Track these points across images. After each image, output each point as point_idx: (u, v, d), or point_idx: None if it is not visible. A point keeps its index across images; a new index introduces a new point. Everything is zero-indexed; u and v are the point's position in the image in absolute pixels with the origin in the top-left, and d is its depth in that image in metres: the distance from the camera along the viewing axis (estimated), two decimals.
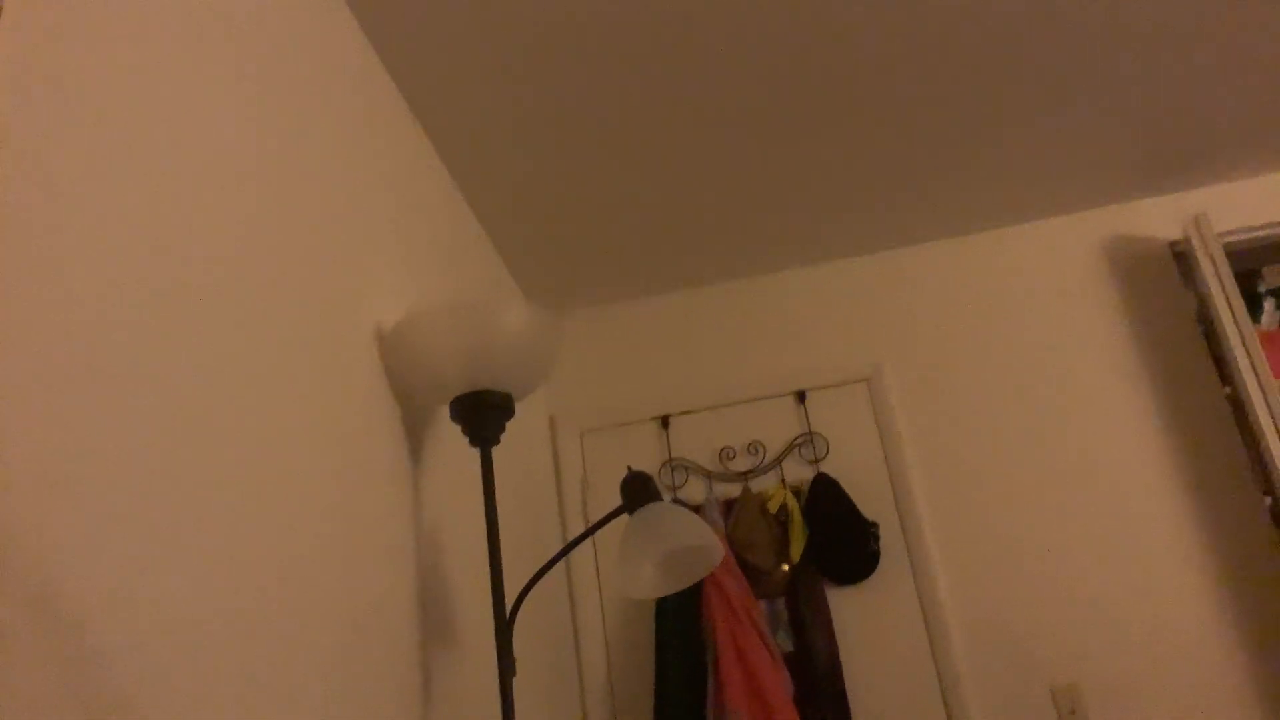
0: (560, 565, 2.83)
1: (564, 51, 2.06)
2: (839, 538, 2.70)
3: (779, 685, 2.45)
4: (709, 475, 2.88)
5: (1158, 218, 2.94)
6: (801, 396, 2.93)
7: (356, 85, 1.84)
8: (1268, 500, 2.58)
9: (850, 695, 2.60)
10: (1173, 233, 2.90)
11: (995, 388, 2.85)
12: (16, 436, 0.78)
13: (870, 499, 2.78)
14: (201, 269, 1.13)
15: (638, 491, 1.65)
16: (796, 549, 2.69)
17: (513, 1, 1.92)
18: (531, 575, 1.66)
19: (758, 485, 2.84)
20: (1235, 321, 2.56)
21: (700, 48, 2.11)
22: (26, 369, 0.81)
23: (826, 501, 2.75)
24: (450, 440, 1.94)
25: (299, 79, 1.56)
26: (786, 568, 2.69)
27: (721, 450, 2.91)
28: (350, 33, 1.85)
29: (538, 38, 2.02)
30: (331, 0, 1.79)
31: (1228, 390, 2.68)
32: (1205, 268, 2.61)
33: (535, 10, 1.95)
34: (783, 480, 2.83)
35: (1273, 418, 2.46)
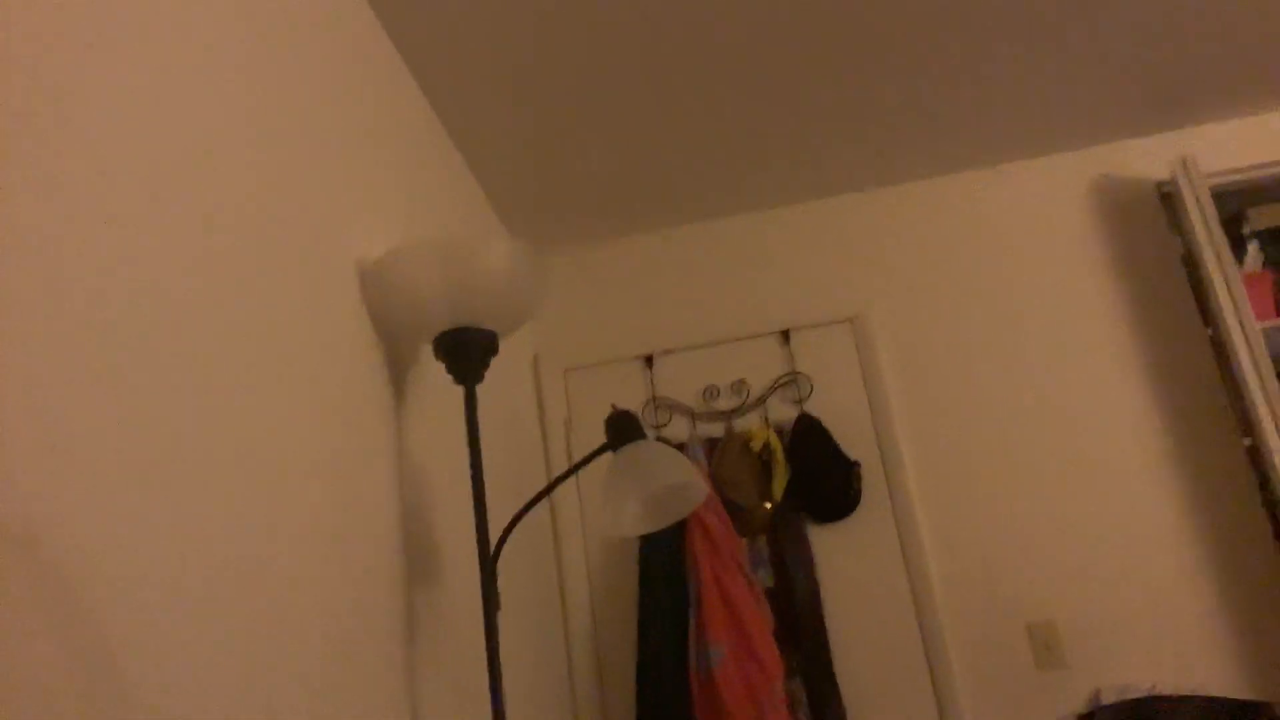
0: (544, 503, 2.85)
1: None
2: (821, 477, 2.72)
3: (760, 620, 2.48)
4: (693, 414, 2.89)
5: (1145, 158, 2.92)
6: (786, 336, 2.93)
7: (339, 20, 1.79)
8: (1247, 441, 2.61)
9: (830, 631, 2.64)
10: (1160, 173, 2.88)
11: (979, 328, 2.86)
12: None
13: (853, 439, 2.80)
14: (180, 205, 1.10)
15: (622, 429, 1.65)
16: (779, 487, 2.71)
17: None
18: (516, 513, 1.66)
19: (741, 425, 2.85)
20: (1219, 263, 2.56)
21: None
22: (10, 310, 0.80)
23: (809, 441, 2.76)
24: (434, 378, 1.93)
25: (282, 13, 1.52)
26: (769, 506, 2.71)
27: (705, 389, 2.91)
28: None
29: None
30: None
31: (1210, 332, 2.69)
32: (1191, 209, 2.61)
33: None
34: (766, 420, 2.84)
35: (1254, 360, 2.48)
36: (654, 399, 2.92)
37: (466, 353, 1.63)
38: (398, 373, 1.75)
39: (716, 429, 2.86)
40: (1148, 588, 2.57)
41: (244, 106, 1.33)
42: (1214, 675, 2.48)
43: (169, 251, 1.06)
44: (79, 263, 0.91)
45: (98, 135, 0.98)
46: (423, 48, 2.13)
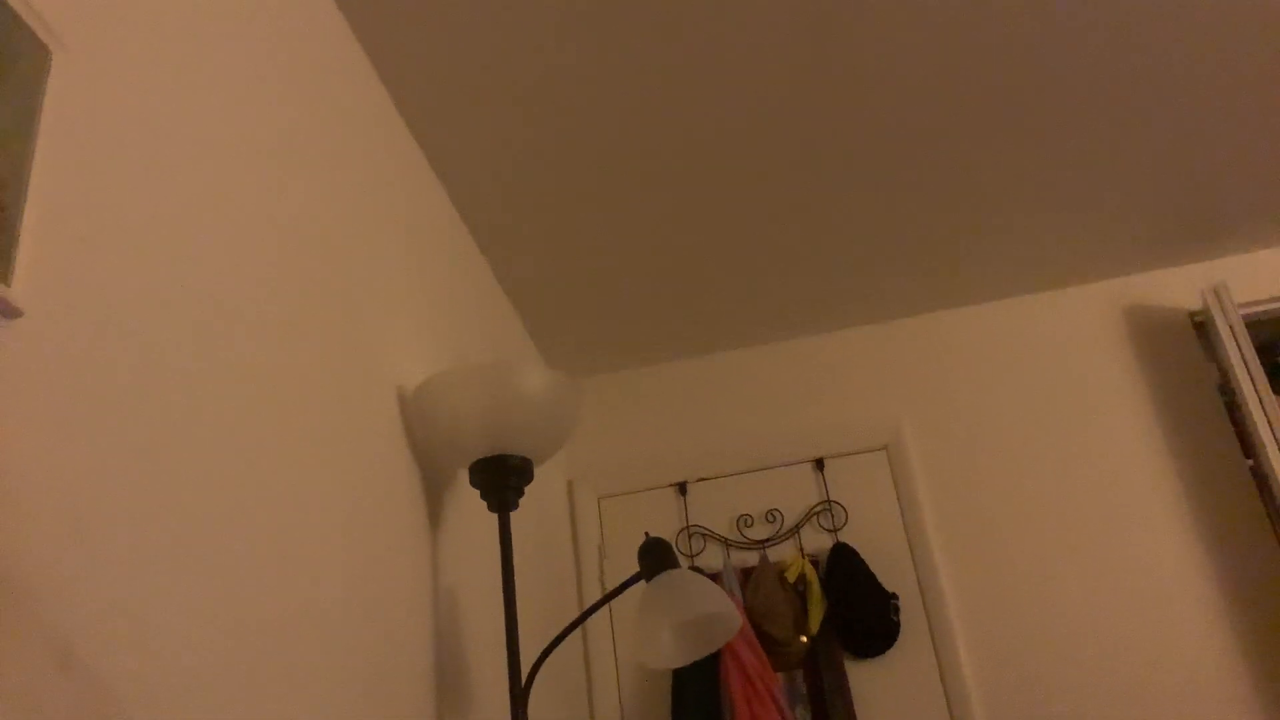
0: (576, 632, 2.80)
1: (587, 116, 2.10)
2: (858, 609, 2.66)
3: None
4: (726, 543, 2.86)
5: (1177, 288, 2.94)
6: (820, 464, 2.92)
7: (381, 147, 1.88)
8: None
9: None
10: (1193, 303, 2.89)
11: (1016, 457, 2.83)
12: (46, 502, 0.79)
13: (890, 569, 2.75)
14: (225, 329, 1.15)
15: (656, 558, 1.64)
16: (815, 620, 2.65)
17: (537, 70, 1.96)
18: (548, 642, 1.64)
19: (775, 554, 2.82)
20: (1257, 393, 2.54)
21: (719, 115, 2.15)
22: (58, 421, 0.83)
23: (845, 571, 2.71)
24: (468, 503, 1.94)
25: (324, 140, 1.60)
26: (805, 639, 2.65)
27: (739, 518, 2.89)
28: (374, 93, 1.90)
29: (561, 102, 2.06)
30: (351, 55, 1.83)
31: (1250, 462, 2.65)
32: (1225, 338, 2.61)
33: (558, 75, 1.99)
34: (801, 549, 2.81)
35: None
36: (688, 527, 2.90)
37: (502, 481, 1.64)
38: (433, 498, 1.76)
39: (751, 558, 2.82)
40: (1197, 715, 2.46)
41: (290, 233, 1.39)
42: None
43: (214, 377, 1.10)
44: (120, 383, 0.94)
45: (151, 252, 1.03)
46: (463, 174, 2.21)
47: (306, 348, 1.36)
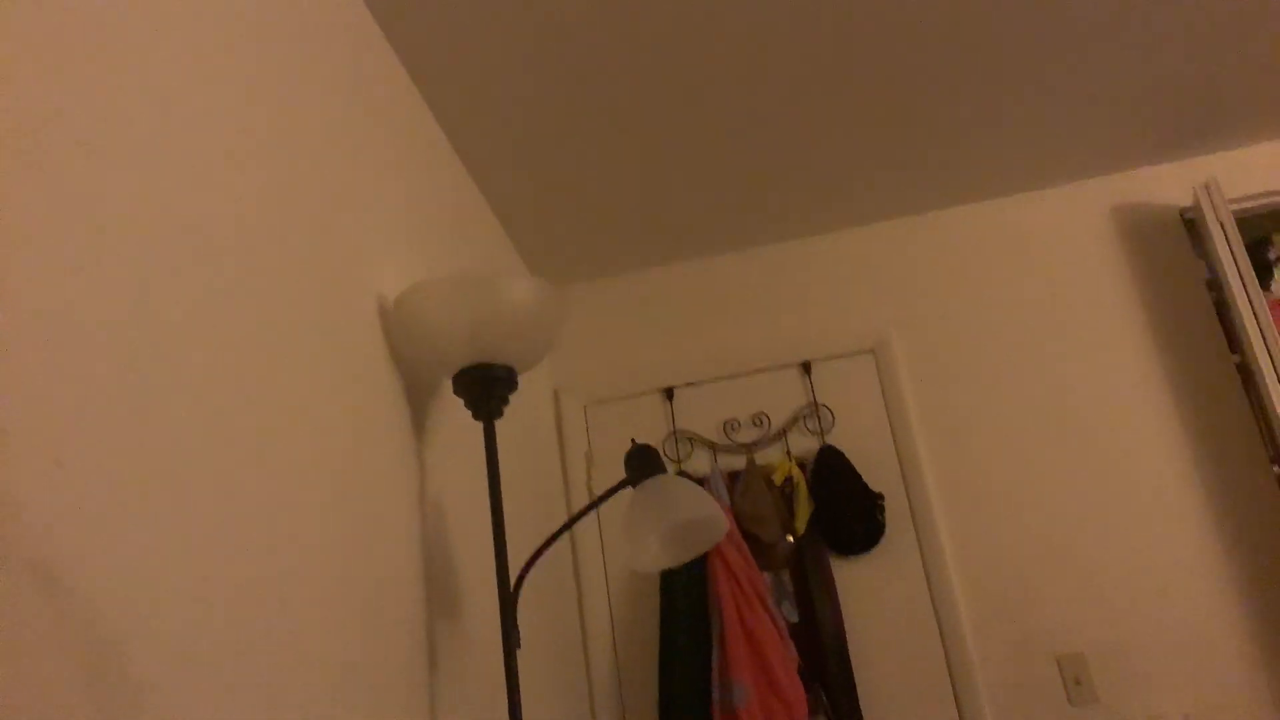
0: (564, 539, 2.83)
1: (570, 23, 2.03)
2: (844, 509, 2.69)
3: (784, 658, 2.45)
4: (713, 447, 2.87)
5: (1168, 184, 2.90)
6: (807, 368, 2.91)
7: (362, 60, 1.81)
8: (1276, 469, 2.57)
9: (856, 667, 2.60)
10: (1183, 199, 2.86)
11: (1003, 357, 2.83)
12: (19, 400, 0.77)
13: (876, 470, 2.77)
14: (205, 240, 1.11)
15: (642, 464, 1.64)
16: (801, 521, 2.68)
17: None
18: (536, 549, 1.65)
19: (763, 457, 2.83)
20: (1245, 289, 2.53)
21: (706, 17, 2.07)
22: (30, 333, 0.80)
23: (832, 473, 2.73)
24: (453, 414, 1.92)
25: (303, 53, 1.54)
26: (791, 540, 2.68)
27: (726, 422, 2.90)
28: (358, 10, 1.82)
29: (544, 13, 1.98)
30: None
31: (1237, 358, 2.66)
32: (1215, 235, 2.59)
33: None
34: (788, 452, 2.82)
35: None
36: (674, 432, 2.91)
37: (486, 389, 1.63)
38: (418, 408, 1.75)
39: (738, 462, 2.84)
40: (1179, 616, 2.52)
41: (268, 145, 1.35)
42: (1248, 706, 2.42)
43: (191, 287, 1.07)
44: (101, 297, 0.91)
45: (124, 169, 0.99)
46: (443, 86, 2.15)
47: (286, 257, 1.32)
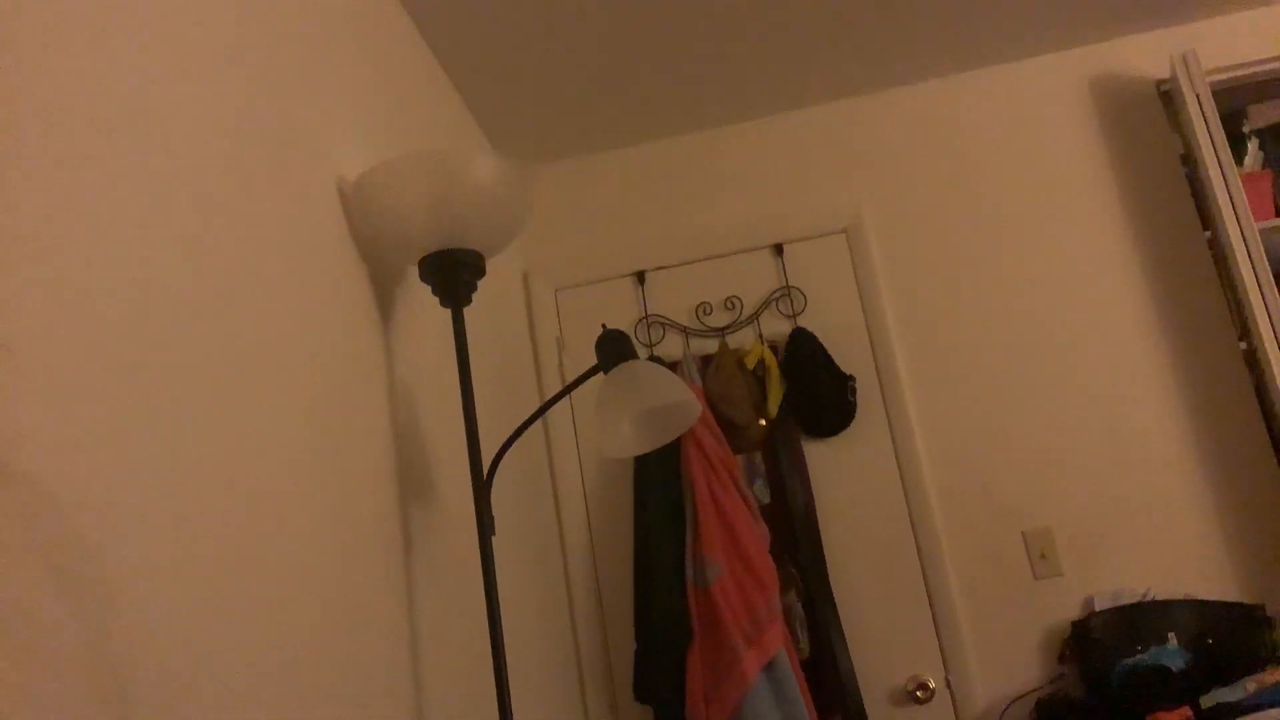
0: (537, 425, 2.83)
1: None
2: (816, 391, 2.70)
3: (756, 537, 2.49)
4: (685, 331, 2.86)
5: (1145, 56, 2.84)
6: (779, 249, 2.88)
7: None
8: (1243, 345, 2.59)
9: (826, 546, 2.65)
10: (1161, 72, 2.80)
11: (975, 236, 2.81)
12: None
13: (848, 353, 2.77)
14: (160, 124, 1.05)
15: (613, 349, 1.63)
16: (774, 403, 2.69)
17: None
18: (508, 436, 1.64)
19: (735, 341, 2.82)
20: (1219, 163, 2.51)
21: None
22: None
23: (804, 355, 2.73)
24: (420, 300, 1.89)
25: None
26: (764, 422, 2.70)
27: (698, 306, 2.87)
28: None
29: None
30: None
31: (1209, 234, 2.65)
32: (1191, 107, 2.54)
33: None
34: (760, 335, 2.81)
35: (1251, 262, 2.44)
36: (646, 317, 2.89)
37: (453, 274, 1.59)
38: (384, 295, 1.71)
39: (710, 346, 2.83)
40: (1143, 494, 2.57)
41: (224, 24, 1.27)
42: (1207, 579, 2.50)
43: (149, 175, 1.01)
44: (65, 185, 0.86)
45: (78, 48, 0.92)
46: None
47: (240, 140, 1.26)
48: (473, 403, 1.58)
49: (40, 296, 0.83)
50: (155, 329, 0.99)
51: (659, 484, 2.62)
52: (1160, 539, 2.54)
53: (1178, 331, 2.65)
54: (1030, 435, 2.65)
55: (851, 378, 2.72)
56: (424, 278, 1.61)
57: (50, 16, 0.93)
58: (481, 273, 1.63)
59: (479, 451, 1.56)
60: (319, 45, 1.65)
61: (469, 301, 1.63)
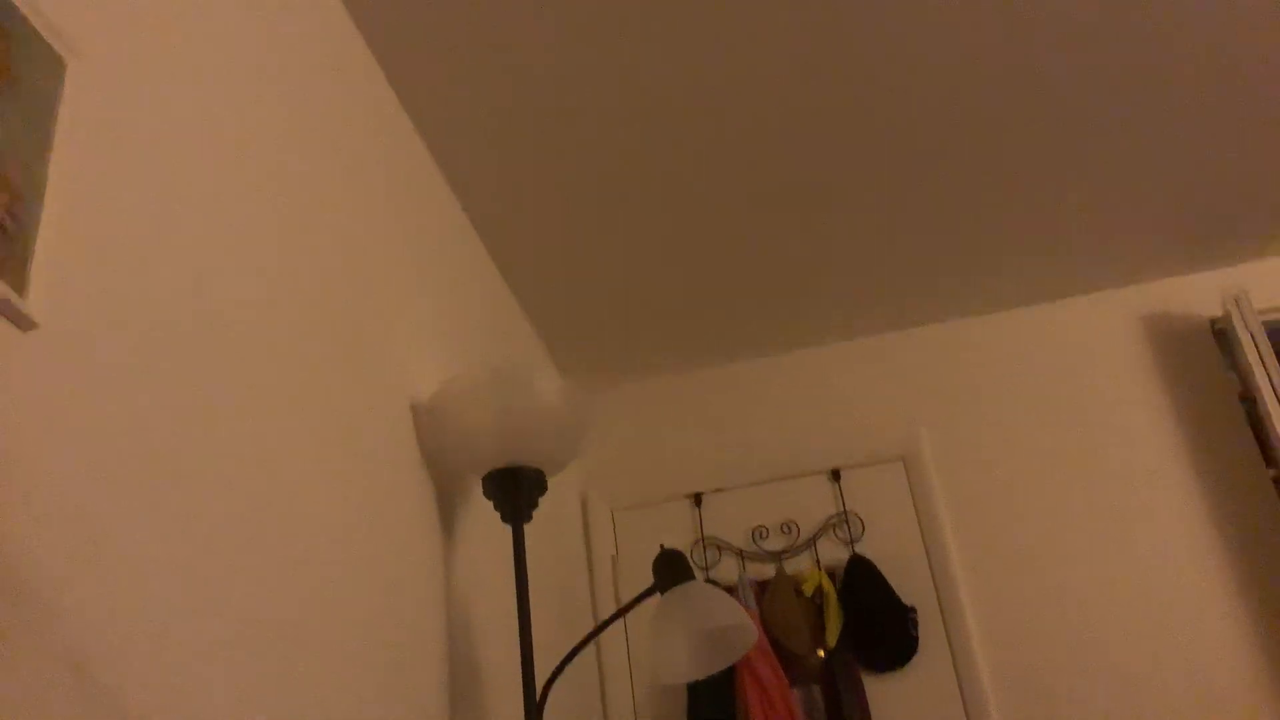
0: (591, 646, 2.79)
1: (601, 126, 2.10)
2: (876, 622, 2.64)
3: None
4: (742, 555, 2.84)
5: (1198, 294, 2.91)
6: (836, 475, 2.89)
7: (396, 159, 1.88)
8: None
9: None
10: (1213, 310, 2.86)
11: (1035, 467, 2.81)
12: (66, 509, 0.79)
13: (908, 581, 2.72)
14: (237, 338, 1.14)
15: (670, 570, 1.63)
16: (832, 634, 2.62)
17: (550, 77, 1.96)
18: (562, 654, 1.63)
19: (792, 566, 2.79)
20: (1278, 401, 2.51)
21: (734, 126, 2.14)
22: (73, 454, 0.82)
23: (863, 584, 2.69)
24: (482, 514, 1.93)
25: (333, 146, 1.60)
26: (822, 653, 2.63)
27: (755, 529, 2.87)
28: (385, 98, 1.90)
29: (574, 107, 2.06)
30: (362, 60, 1.83)
31: (1272, 472, 2.62)
32: (1246, 346, 2.58)
33: (571, 82, 1.99)
34: (817, 561, 2.79)
35: None
36: (702, 539, 2.88)
37: (516, 491, 1.63)
38: (446, 509, 1.75)
39: (767, 570, 2.80)
40: None
41: (307, 245, 1.39)
42: None
43: (226, 387, 1.09)
44: (137, 396, 0.94)
45: (169, 264, 1.02)
46: (477, 185, 2.21)
47: (318, 356, 1.35)
48: (529, 622, 1.58)
49: (135, 503, 0.89)
50: (229, 534, 1.04)
51: (713, 714, 2.54)
52: None
53: (1247, 568, 2.57)
54: (1101, 672, 2.54)
55: (912, 609, 2.66)
56: (487, 493, 1.66)
57: (129, 236, 1.03)
58: (543, 490, 1.68)
59: (533, 672, 1.55)
60: (400, 267, 1.78)
61: (530, 518, 1.66)
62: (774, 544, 2.84)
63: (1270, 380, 2.53)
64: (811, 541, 2.82)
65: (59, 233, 0.87)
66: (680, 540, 2.89)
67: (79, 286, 0.88)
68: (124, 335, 0.93)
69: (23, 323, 0.80)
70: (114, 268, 0.94)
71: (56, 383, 0.83)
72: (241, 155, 1.25)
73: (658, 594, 1.64)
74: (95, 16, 1.01)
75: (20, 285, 0.80)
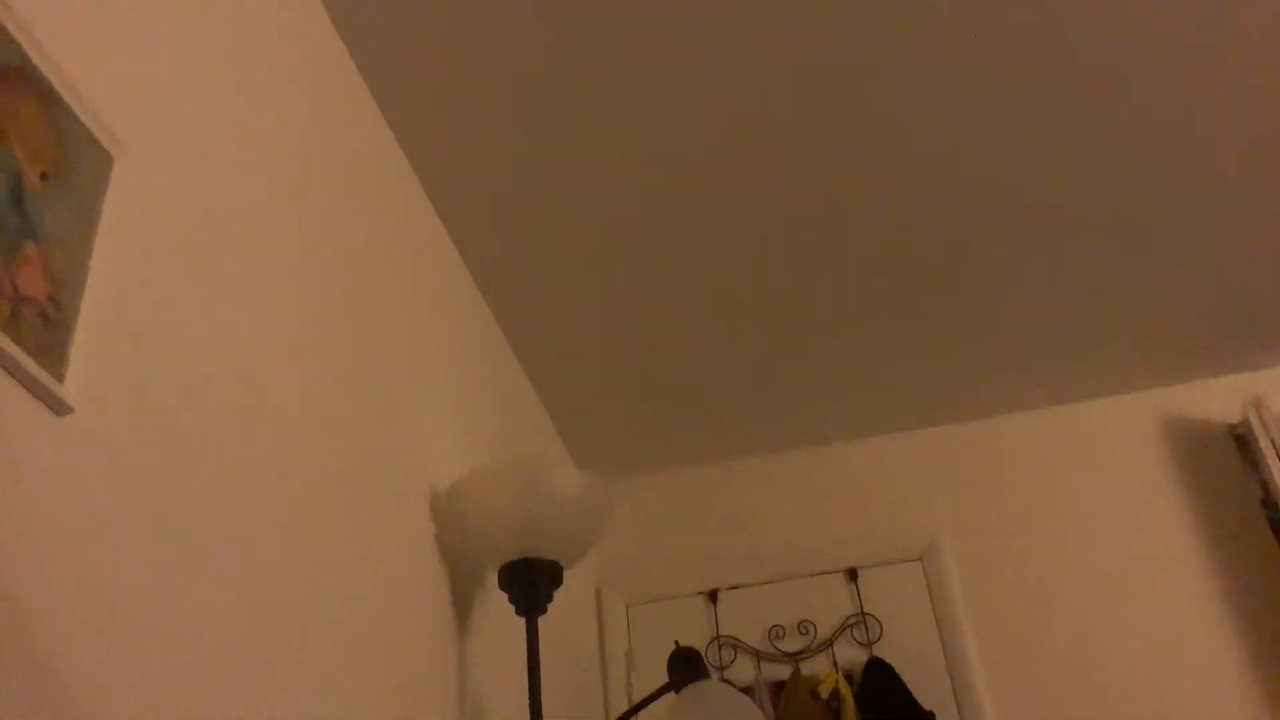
0: None
1: (623, 220, 2.15)
2: None
3: None
4: (758, 655, 2.79)
5: (1217, 399, 2.90)
6: (853, 574, 2.86)
7: (416, 245, 1.92)
8: None
9: None
10: (1233, 415, 2.85)
11: (1054, 569, 2.77)
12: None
13: (927, 685, 2.66)
14: (266, 427, 1.16)
15: (685, 668, 1.61)
16: None
17: (570, 156, 2.01)
18: None
19: (808, 667, 2.74)
20: None
21: (756, 224, 2.18)
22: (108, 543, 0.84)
23: (880, 688, 2.63)
24: (495, 605, 1.91)
25: (363, 238, 1.64)
26: None
27: (771, 629, 2.83)
28: (412, 194, 1.95)
29: (594, 203, 2.11)
30: (391, 158, 1.89)
31: None
32: (1266, 451, 2.56)
33: (589, 163, 2.04)
34: (834, 663, 2.74)
35: None
36: (718, 637, 2.84)
37: (532, 584, 1.63)
38: (461, 599, 1.75)
39: (782, 671, 2.75)
40: None
41: (329, 332, 1.42)
42: None
43: (253, 475, 1.11)
44: (166, 482, 0.95)
45: (196, 352, 1.05)
46: (495, 275, 2.25)
47: (340, 447, 1.37)
48: (540, 716, 1.56)
49: (153, 574, 0.90)
50: (239, 620, 1.04)
51: None
52: None
53: (1271, 673, 2.51)
54: None
55: (932, 714, 2.60)
56: (503, 585, 1.65)
57: (165, 325, 1.06)
58: (559, 582, 1.67)
59: None
60: (420, 356, 1.81)
61: (545, 611, 1.65)
62: (790, 644, 2.80)
63: None
64: (828, 642, 2.78)
65: (98, 320, 0.90)
66: (695, 638, 2.85)
67: (115, 373, 0.91)
68: (156, 421, 0.95)
69: (59, 408, 0.82)
70: (150, 356, 0.96)
71: (89, 466, 0.84)
72: (273, 249, 1.29)
73: (673, 692, 1.62)
74: (140, 116, 1.05)
75: (60, 371, 0.83)
